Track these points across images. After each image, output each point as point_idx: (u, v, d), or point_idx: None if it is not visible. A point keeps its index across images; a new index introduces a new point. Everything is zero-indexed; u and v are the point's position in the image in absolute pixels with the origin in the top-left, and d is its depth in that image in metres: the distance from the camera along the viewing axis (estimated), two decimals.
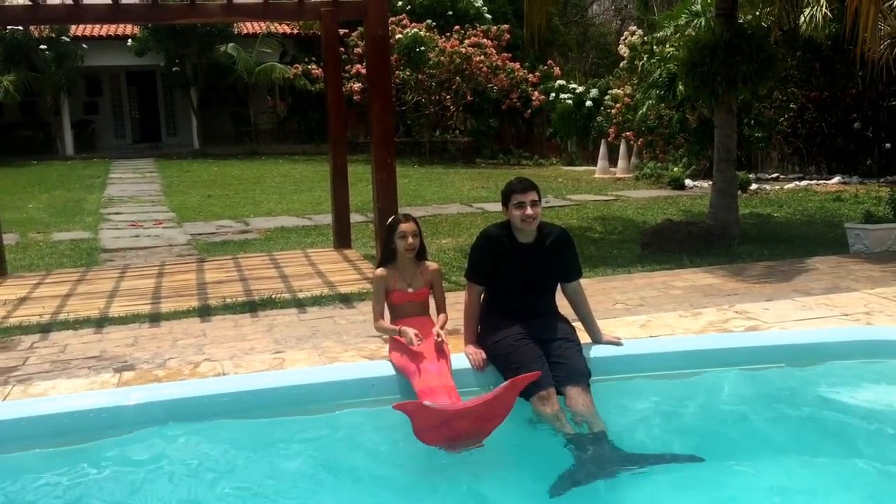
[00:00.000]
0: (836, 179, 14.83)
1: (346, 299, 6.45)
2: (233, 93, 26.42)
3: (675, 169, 15.45)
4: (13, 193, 15.47)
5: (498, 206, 4.42)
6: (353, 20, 14.50)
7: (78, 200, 14.72)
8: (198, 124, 24.86)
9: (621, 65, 18.97)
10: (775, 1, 9.84)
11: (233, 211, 13.09)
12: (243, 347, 5.12)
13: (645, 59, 16.86)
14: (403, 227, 4.16)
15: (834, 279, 6.61)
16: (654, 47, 16.50)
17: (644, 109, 16.44)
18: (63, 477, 3.42)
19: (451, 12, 23.38)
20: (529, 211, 3.95)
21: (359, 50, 20.06)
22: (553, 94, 21.79)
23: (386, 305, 4.32)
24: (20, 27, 20.77)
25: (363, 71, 18.42)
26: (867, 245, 7.76)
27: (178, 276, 7.78)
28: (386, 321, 4.28)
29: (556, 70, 23.20)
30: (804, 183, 14.74)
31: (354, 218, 10.10)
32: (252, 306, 6.30)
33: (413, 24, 21.26)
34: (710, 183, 9.84)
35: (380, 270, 4.28)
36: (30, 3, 7.91)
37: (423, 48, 20.46)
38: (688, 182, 14.97)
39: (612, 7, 36.35)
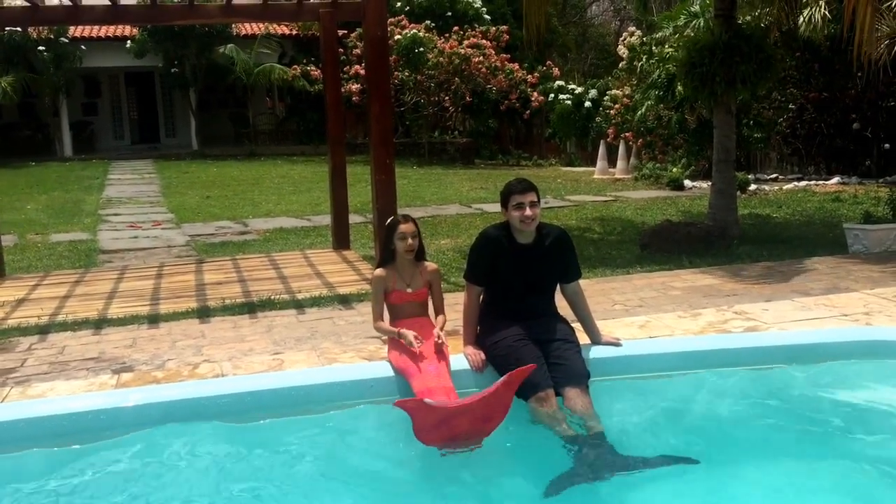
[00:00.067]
0: (835, 180, 14.84)
1: (345, 300, 6.44)
2: (231, 94, 26.42)
3: (674, 169, 15.45)
4: (11, 194, 15.47)
5: (497, 207, 4.42)
6: (351, 21, 14.45)
7: (76, 201, 14.71)
8: (196, 125, 24.85)
9: (620, 65, 18.98)
10: (774, 2, 9.85)
11: (231, 212, 13.08)
12: (242, 348, 5.12)
13: (644, 59, 16.86)
14: (403, 228, 4.16)
15: (833, 279, 6.61)
16: (653, 48, 16.51)
17: (643, 110, 16.45)
18: (62, 478, 3.41)
19: (450, 13, 23.40)
20: (528, 212, 3.94)
21: (357, 51, 20.07)
22: (552, 95, 21.81)
23: (385, 306, 4.31)
24: (18, 28, 20.77)
25: (362, 72, 18.43)
26: (866, 245, 7.77)
27: (176, 277, 7.77)
28: (385, 322, 4.28)
29: (555, 71, 23.22)
30: (803, 183, 14.74)
31: (353, 219, 10.10)
32: (251, 307, 6.29)
33: (412, 25, 21.26)
34: (709, 183, 9.85)
35: (378, 271, 4.27)
36: (28, 4, 7.90)
37: (421, 49, 20.47)
38: (687, 183, 14.98)
39: (611, 8, 36.39)
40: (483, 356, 4.06)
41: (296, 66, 22.88)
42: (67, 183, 17.51)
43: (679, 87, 13.38)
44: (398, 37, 20.31)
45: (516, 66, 22.05)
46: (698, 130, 15.39)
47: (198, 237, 10.84)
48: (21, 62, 22.23)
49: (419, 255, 4.27)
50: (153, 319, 6.02)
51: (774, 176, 16.06)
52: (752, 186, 14.15)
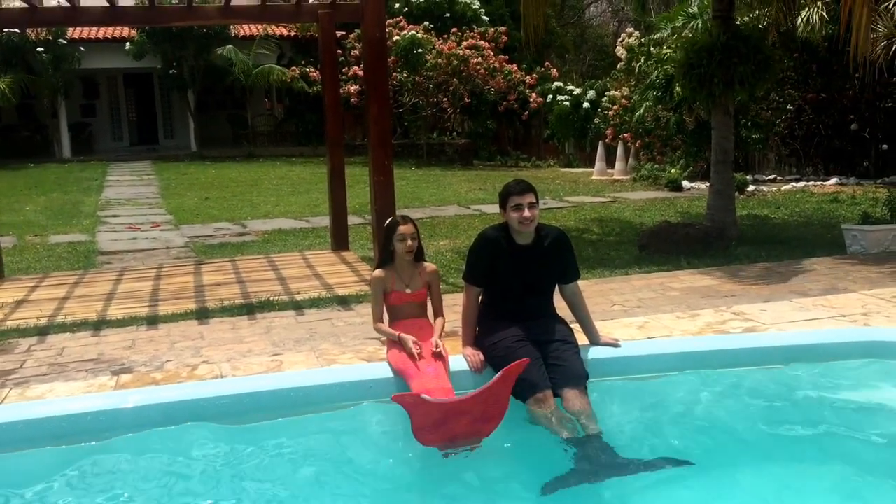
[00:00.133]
0: (834, 181, 14.85)
1: (344, 301, 6.45)
2: (230, 95, 26.40)
3: (673, 170, 15.46)
4: (10, 196, 15.45)
5: (495, 208, 4.43)
6: (350, 22, 14.48)
7: (75, 203, 14.70)
8: (195, 127, 24.84)
9: (618, 66, 18.99)
10: (772, 3, 9.85)
11: (230, 213, 13.08)
12: (241, 350, 5.12)
13: (642, 60, 16.87)
14: (402, 229, 4.16)
15: (831, 280, 6.62)
16: (652, 49, 16.52)
17: (641, 111, 16.45)
18: (61, 480, 3.41)
19: (448, 14, 23.41)
20: (527, 213, 3.95)
21: (356, 52, 20.07)
22: (550, 96, 21.82)
23: (384, 307, 4.32)
24: (17, 30, 20.75)
25: (360, 73, 18.46)
26: (864, 246, 7.78)
27: (175, 278, 7.77)
28: (385, 323, 4.28)
29: (554, 72, 23.24)
30: (801, 184, 14.76)
31: (352, 220, 10.10)
32: (250, 308, 6.29)
33: (410, 26, 21.27)
34: (708, 184, 9.85)
35: (377, 272, 4.27)
36: (27, 5, 7.91)
37: (420, 50, 20.48)
38: (685, 183, 14.98)
39: (610, 9, 36.40)
40: (482, 357, 4.06)
41: (294, 68, 22.88)
42: (66, 184, 17.50)
43: (677, 88, 13.39)
44: (397, 38, 20.32)
45: (515, 67, 22.07)
46: (696, 131, 15.41)
47: (196, 238, 10.84)
48: (20, 63, 22.21)
49: (418, 255, 4.28)
50: (152, 321, 6.02)
51: (773, 177, 16.07)
52: (751, 187, 14.16)
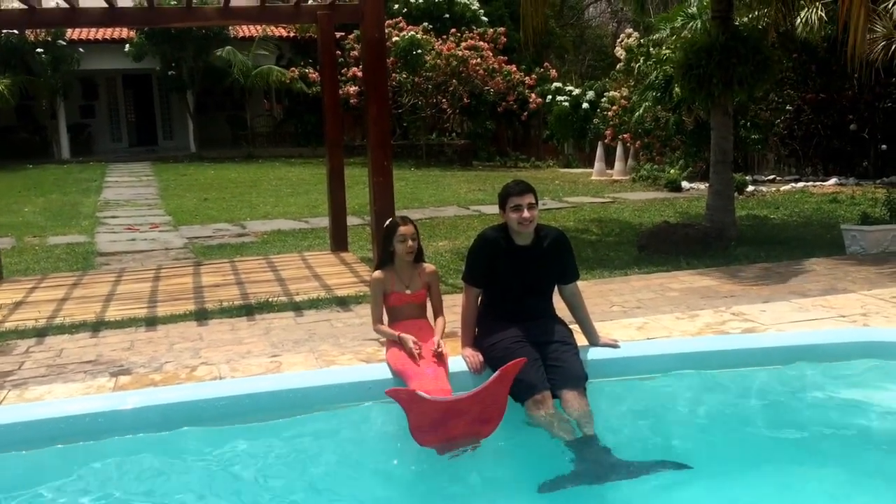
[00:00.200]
0: (833, 181, 14.85)
1: (343, 302, 6.44)
2: (229, 96, 26.37)
3: (672, 171, 15.47)
4: (9, 197, 15.45)
5: (495, 209, 4.42)
6: (349, 23, 14.50)
7: (74, 204, 14.70)
8: (194, 128, 24.83)
9: (618, 67, 18.98)
10: (771, 3, 9.86)
11: (229, 214, 13.08)
12: (240, 351, 5.12)
13: (641, 61, 16.86)
14: (402, 230, 4.15)
15: (831, 281, 6.62)
16: (651, 49, 16.51)
17: (640, 111, 16.45)
18: (59, 481, 3.41)
19: (447, 15, 23.39)
20: (526, 213, 3.94)
21: (355, 53, 20.06)
22: (549, 97, 21.82)
23: (384, 308, 4.31)
24: (16, 31, 20.74)
25: (360, 74, 18.45)
26: (864, 246, 7.78)
27: (174, 279, 7.77)
28: (385, 325, 4.28)
29: (553, 72, 23.23)
30: (801, 185, 14.76)
31: (351, 221, 10.09)
32: (249, 310, 6.29)
33: (410, 27, 21.27)
34: (707, 185, 9.85)
35: (377, 273, 4.27)
36: (26, 6, 7.90)
37: (419, 51, 20.48)
38: (684, 184, 14.99)
39: (609, 9, 36.40)
40: (481, 358, 4.06)
41: (293, 69, 22.86)
42: (65, 185, 17.50)
43: (676, 89, 13.38)
44: (396, 39, 20.32)
45: (514, 67, 22.05)
46: (696, 132, 15.40)
47: (195, 239, 10.83)
48: (18, 65, 22.20)
49: (418, 256, 4.27)
50: (151, 322, 6.02)
51: (772, 177, 16.07)
52: (750, 188, 14.17)
